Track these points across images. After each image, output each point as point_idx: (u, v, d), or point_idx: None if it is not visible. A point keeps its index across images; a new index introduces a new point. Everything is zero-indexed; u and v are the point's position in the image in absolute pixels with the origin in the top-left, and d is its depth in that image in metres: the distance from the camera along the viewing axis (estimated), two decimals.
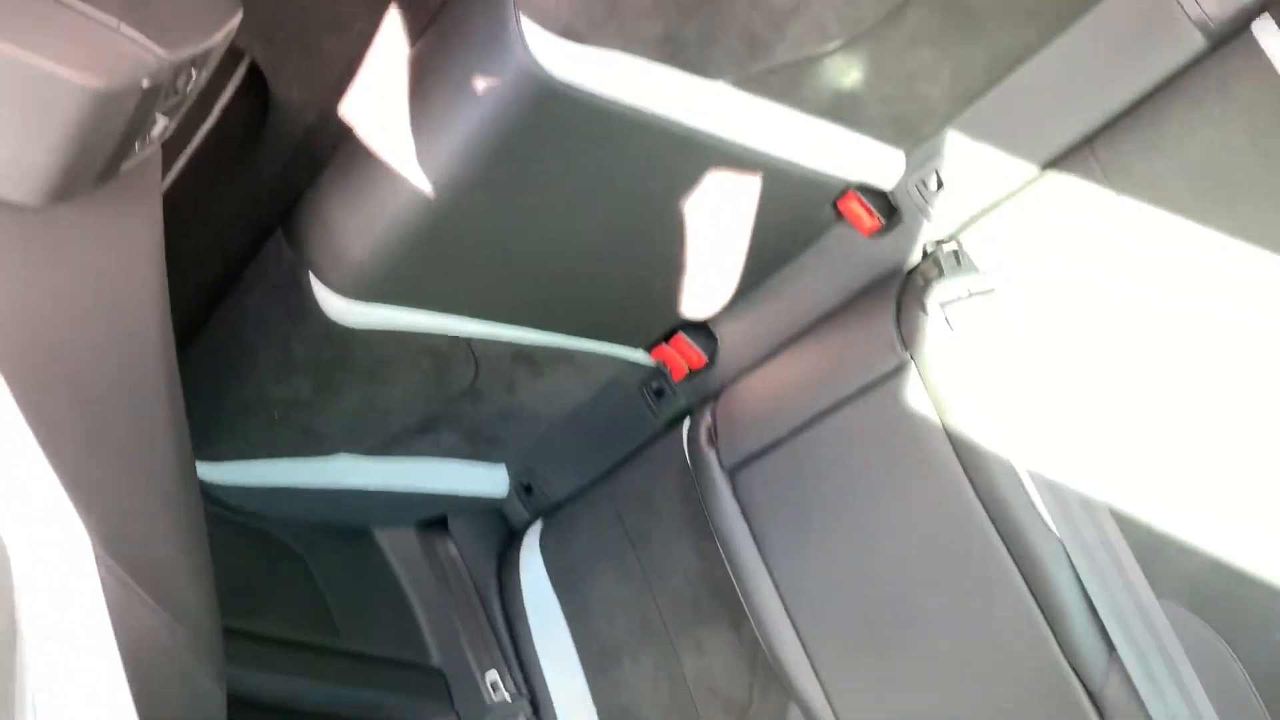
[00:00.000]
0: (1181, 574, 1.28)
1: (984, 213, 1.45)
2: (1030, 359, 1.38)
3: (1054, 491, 1.34)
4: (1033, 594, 1.35)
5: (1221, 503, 1.26)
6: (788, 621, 1.58)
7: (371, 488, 1.88)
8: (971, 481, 1.39)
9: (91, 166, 0.92)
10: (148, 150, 1.00)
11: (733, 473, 1.65)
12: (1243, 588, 1.24)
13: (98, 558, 0.96)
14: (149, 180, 1.08)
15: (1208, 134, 1.26)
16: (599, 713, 1.90)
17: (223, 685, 1.05)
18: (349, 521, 2.03)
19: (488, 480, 2.05)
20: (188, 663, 1.00)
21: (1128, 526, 1.31)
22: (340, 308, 1.38)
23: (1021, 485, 1.36)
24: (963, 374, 1.42)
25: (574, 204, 1.35)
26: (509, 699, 1.96)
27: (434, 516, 2.09)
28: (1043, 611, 1.35)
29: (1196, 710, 1.27)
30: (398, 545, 2.10)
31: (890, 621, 1.48)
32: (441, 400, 1.71)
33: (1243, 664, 1.25)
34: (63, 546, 0.96)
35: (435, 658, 2.05)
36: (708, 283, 1.61)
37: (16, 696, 0.98)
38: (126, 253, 1.05)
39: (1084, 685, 1.33)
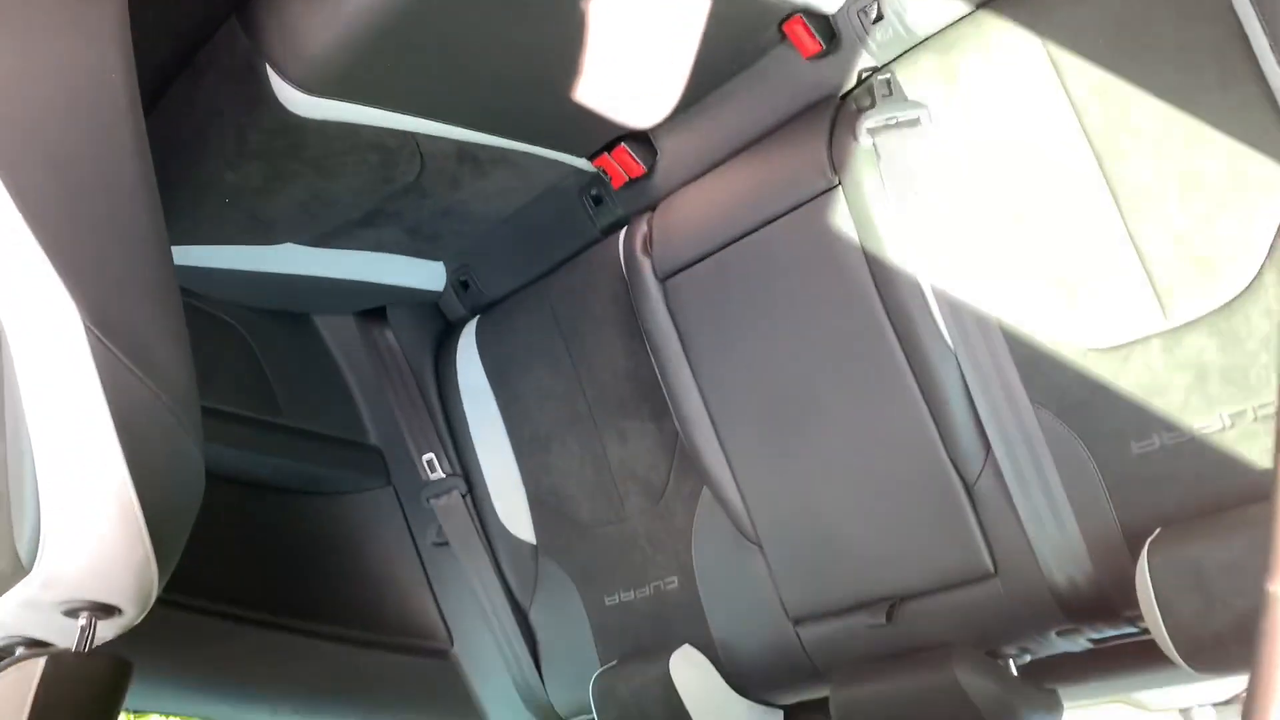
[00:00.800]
0: (1054, 384, 1.44)
1: (918, 46, 1.52)
2: (946, 186, 1.49)
3: (953, 308, 1.49)
4: (924, 396, 1.52)
5: (1096, 325, 1.40)
6: (706, 414, 1.74)
7: (314, 275, 1.94)
8: (881, 296, 1.53)
9: None
10: None
11: (665, 280, 1.76)
12: (1104, 399, 1.40)
13: (85, 328, 1.03)
14: None
15: None
16: (528, 491, 2.05)
17: (201, 447, 1.15)
18: (291, 307, 2.10)
19: (426, 275, 2.11)
20: (170, 425, 1.09)
21: (1014, 341, 1.46)
22: (296, 99, 1.40)
23: (925, 301, 1.51)
24: (884, 198, 1.53)
25: (529, 4, 1.38)
26: (444, 476, 2.09)
27: (373, 307, 2.16)
28: (931, 413, 1.51)
29: (1055, 503, 1.45)
30: (337, 331, 2.18)
31: (797, 416, 1.64)
32: (386, 194, 1.75)
33: (1097, 465, 1.42)
34: (51, 318, 1.03)
35: (373, 437, 2.17)
36: (652, 92, 1.66)
37: (11, 456, 1.06)
38: (96, 34, 1.07)
39: (961, 478, 1.52)
